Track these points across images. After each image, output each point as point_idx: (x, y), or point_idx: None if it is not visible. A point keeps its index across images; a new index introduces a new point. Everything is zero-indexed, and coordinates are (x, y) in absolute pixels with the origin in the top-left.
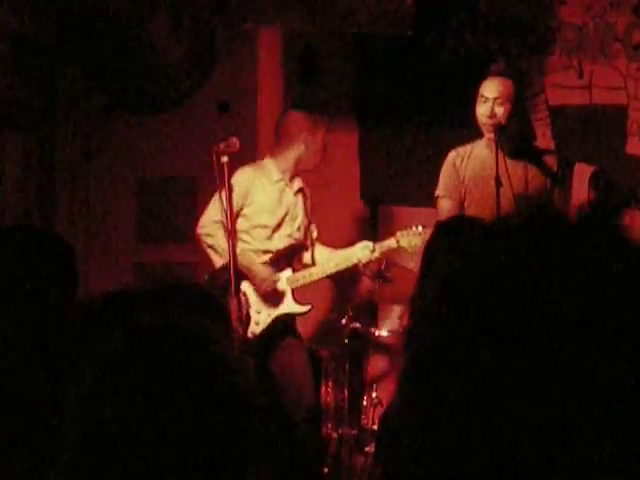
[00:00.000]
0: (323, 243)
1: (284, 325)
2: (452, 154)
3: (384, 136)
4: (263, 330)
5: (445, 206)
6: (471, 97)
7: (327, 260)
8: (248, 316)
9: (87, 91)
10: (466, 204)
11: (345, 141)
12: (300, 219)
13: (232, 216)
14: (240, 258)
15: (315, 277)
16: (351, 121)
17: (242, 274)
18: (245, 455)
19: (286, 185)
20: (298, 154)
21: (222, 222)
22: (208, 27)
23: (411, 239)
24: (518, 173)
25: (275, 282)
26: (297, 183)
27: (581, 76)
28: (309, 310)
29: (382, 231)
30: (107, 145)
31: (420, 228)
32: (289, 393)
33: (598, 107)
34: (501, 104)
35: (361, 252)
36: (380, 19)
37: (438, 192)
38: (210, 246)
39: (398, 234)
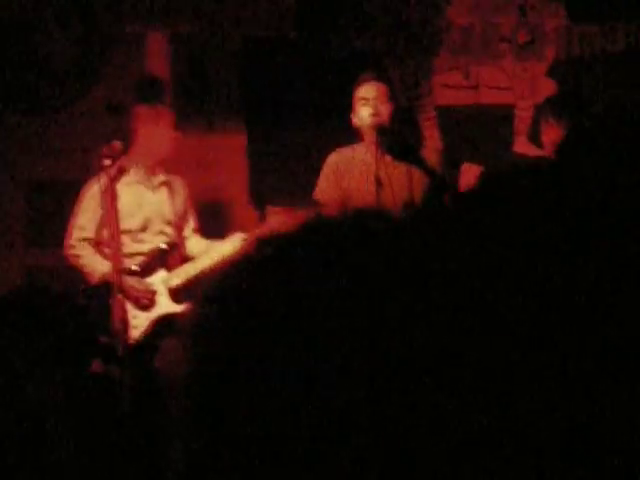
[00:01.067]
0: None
1: (165, 326)
2: (333, 157)
3: (272, 138)
4: (142, 334)
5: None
6: None
7: (202, 255)
8: (127, 322)
9: None
10: (349, 206)
11: (233, 144)
12: (168, 213)
13: (116, 217)
14: (110, 274)
15: (190, 274)
16: (239, 124)
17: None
18: None
19: (144, 184)
20: (146, 147)
21: (88, 239)
22: (98, 29)
23: (286, 220)
24: (401, 175)
25: (149, 292)
26: (159, 178)
27: (468, 76)
28: (187, 307)
29: None
30: None
31: (293, 210)
32: (171, 391)
33: (485, 107)
34: (382, 103)
35: (234, 244)
36: (263, 21)
37: (316, 195)
38: (81, 266)
39: (272, 217)
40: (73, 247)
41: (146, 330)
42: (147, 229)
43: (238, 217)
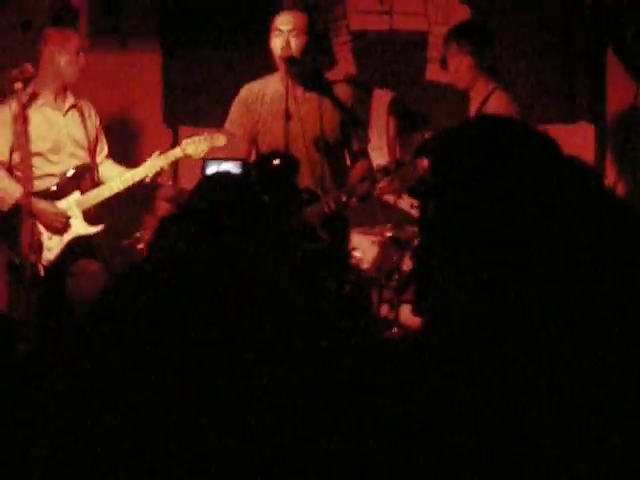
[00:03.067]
0: (124, 164)
1: (80, 248)
2: (245, 91)
3: (187, 58)
4: (57, 256)
5: (236, 144)
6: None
7: (115, 177)
8: (40, 243)
9: None
10: (260, 140)
11: (148, 65)
12: (80, 137)
13: (27, 141)
14: (22, 199)
15: (104, 196)
16: (154, 45)
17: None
18: None
19: (54, 107)
20: (53, 70)
21: (0, 162)
22: None
23: (197, 146)
24: (312, 109)
25: (62, 215)
26: (68, 101)
27: (382, 1)
28: (102, 230)
29: None
30: None
31: (205, 134)
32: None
33: (399, 32)
34: (295, 36)
35: (148, 165)
36: None
37: (226, 126)
38: None
39: (183, 142)
40: None
41: (61, 252)
42: (59, 151)
43: (152, 136)
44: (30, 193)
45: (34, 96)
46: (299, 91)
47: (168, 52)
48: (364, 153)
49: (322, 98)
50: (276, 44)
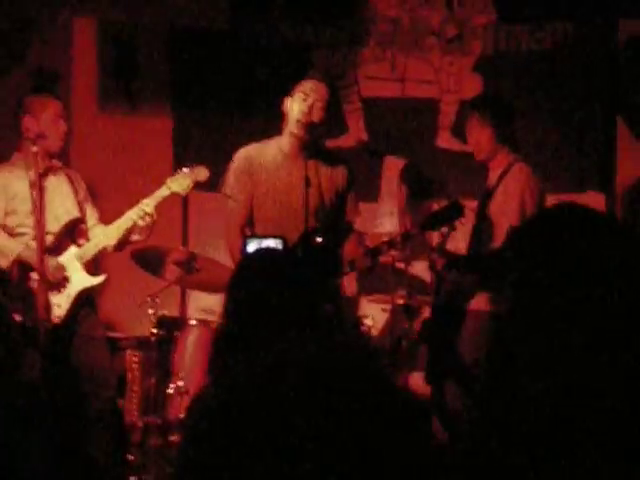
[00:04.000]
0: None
1: (82, 301)
2: (242, 153)
3: (198, 125)
4: (67, 311)
5: (232, 206)
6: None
7: (109, 228)
8: (48, 301)
9: None
10: (257, 208)
11: (160, 129)
12: (71, 195)
13: (42, 209)
14: (24, 254)
15: (101, 245)
16: (165, 109)
17: (29, 267)
18: None
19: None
20: (33, 137)
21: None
22: (22, 13)
23: (182, 182)
24: (313, 175)
25: (62, 268)
26: (56, 164)
27: (394, 69)
28: (105, 279)
29: (193, 217)
30: None
31: (185, 170)
32: (90, 383)
33: (410, 100)
34: (321, 108)
35: (137, 209)
36: (196, 13)
37: (224, 190)
38: None
39: (168, 180)
40: None
41: (70, 307)
42: (51, 210)
43: (162, 201)
44: (42, 256)
45: (50, 170)
46: (300, 159)
47: (179, 116)
48: (351, 226)
49: (321, 167)
50: (300, 108)
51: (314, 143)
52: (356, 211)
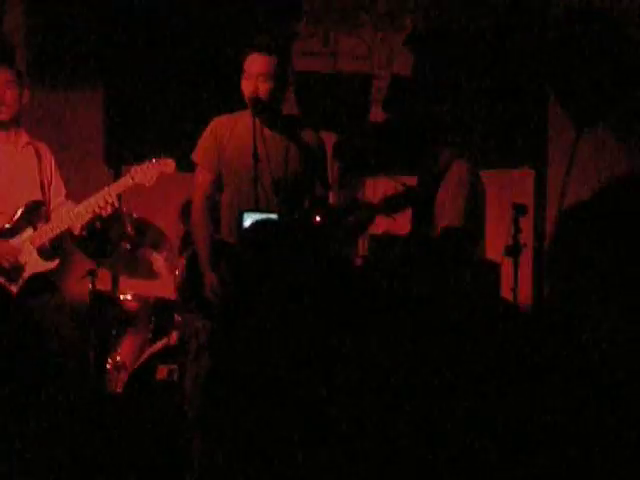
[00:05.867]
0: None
1: (40, 284)
2: (215, 123)
3: (128, 97)
4: (17, 292)
5: (200, 177)
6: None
7: (68, 212)
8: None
9: None
10: (225, 175)
11: (89, 104)
12: (34, 174)
13: None
14: None
15: (57, 231)
16: (96, 84)
17: None
18: None
19: (9, 144)
20: None
21: None
22: None
23: (147, 172)
24: (278, 150)
25: (12, 253)
26: (23, 139)
27: (327, 44)
28: (57, 264)
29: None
30: None
31: (154, 160)
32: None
33: (343, 74)
34: (264, 81)
35: (99, 196)
36: None
37: (195, 158)
38: None
39: (132, 170)
40: None
41: (20, 289)
42: (12, 187)
43: (92, 175)
44: None
45: None
46: (266, 132)
47: (109, 90)
48: (324, 201)
49: (289, 141)
50: (244, 86)
51: (271, 117)
52: (325, 185)
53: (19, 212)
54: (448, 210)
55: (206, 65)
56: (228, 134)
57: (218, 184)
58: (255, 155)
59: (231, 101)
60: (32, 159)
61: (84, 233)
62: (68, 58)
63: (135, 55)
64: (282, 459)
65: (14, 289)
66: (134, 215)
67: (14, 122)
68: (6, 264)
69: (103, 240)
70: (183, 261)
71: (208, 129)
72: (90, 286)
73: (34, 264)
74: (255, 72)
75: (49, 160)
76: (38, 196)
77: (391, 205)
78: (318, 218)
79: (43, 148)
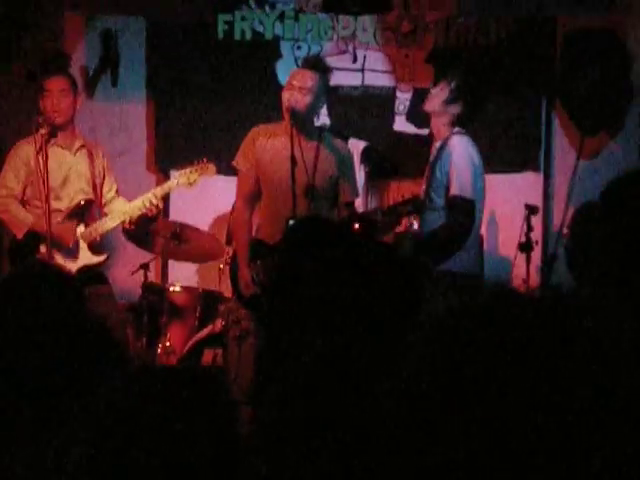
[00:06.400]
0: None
1: (90, 275)
2: (254, 131)
3: (178, 110)
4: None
5: (242, 180)
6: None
7: (118, 210)
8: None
9: None
10: (262, 180)
11: (139, 114)
12: (87, 174)
13: (47, 179)
14: (36, 224)
15: (106, 227)
16: (145, 95)
17: (41, 237)
18: None
19: (62, 146)
20: (52, 112)
21: (13, 195)
22: (20, 11)
23: (189, 176)
24: (311, 156)
25: (74, 236)
26: (78, 142)
27: (355, 60)
28: (105, 259)
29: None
30: None
31: (196, 164)
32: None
33: (369, 88)
34: (305, 94)
35: (145, 198)
36: (173, 8)
37: (236, 163)
38: (8, 220)
39: (177, 174)
40: (1, 203)
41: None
42: (66, 187)
43: (144, 180)
44: (50, 221)
45: (49, 137)
46: (302, 140)
47: (159, 103)
48: (351, 206)
49: (321, 149)
50: (286, 96)
51: (306, 127)
52: (352, 192)
53: (71, 208)
54: (456, 180)
55: (243, 78)
56: (265, 143)
57: (257, 188)
58: (292, 159)
59: (267, 112)
60: (85, 160)
61: (133, 227)
62: (122, 75)
63: (180, 73)
64: (334, 435)
65: (73, 269)
66: (177, 221)
67: (68, 126)
68: (68, 243)
69: (148, 233)
70: (227, 256)
71: (247, 138)
72: (142, 278)
73: (85, 257)
74: (297, 85)
75: (101, 161)
76: (90, 194)
77: (397, 212)
78: (357, 226)
79: (96, 150)
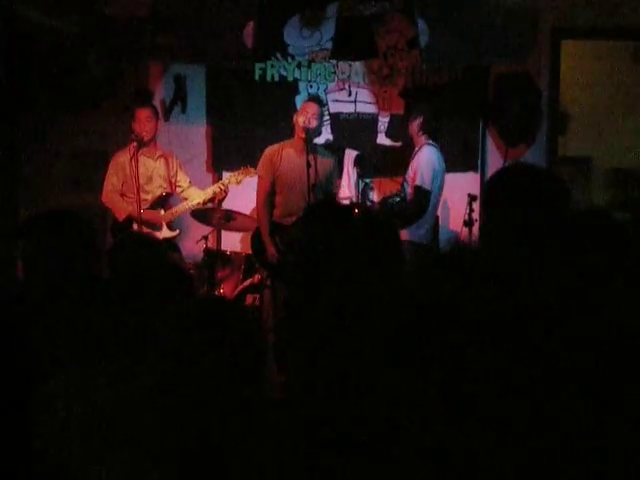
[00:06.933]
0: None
1: (169, 245)
2: (269, 150)
3: (228, 130)
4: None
5: (261, 184)
6: (281, 111)
7: (191, 199)
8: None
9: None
10: (277, 182)
11: (201, 133)
12: (165, 175)
13: (137, 178)
14: (132, 211)
15: (181, 210)
16: (205, 122)
17: (134, 219)
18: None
19: (147, 156)
20: (140, 131)
21: (116, 190)
22: (118, 59)
23: (237, 176)
24: (314, 162)
25: (157, 218)
26: (158, 152)
27: (350, 94)
28: (178, 233)
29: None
30: (54, 127)
31: (242, 168)
32: None
33: (360, 114)
34: (314, 119)
35: (210, 189)
36: (227, 55)
37: (258, 172)
38: (113, 208)
39: (230, 175)
40: (106, 196)
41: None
42: (150, 184)
43: (206, 178)
44: (140, 209)
45: (138, 149)
46: (305, 152)
47: (215, 125)
48: (335, 194)
49: (318, 158)
50: (302, 119)
51: (312, 142)
52: (338, 185)
53: (154, 198)
54: (419, 175)
55: (272, 107)
56: (277, 156)
57: (273, 188)
58: (308, 163)
59: (290, 131)
60: (163, 165)
61: (205, 204)
62: (189, 106)
63: (229, 104)
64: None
65: (158, 236)
66: (227, 209)
67: (151, 141)
68: (154, 223)
69: (207, 214)
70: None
71: (264, 155)
72: (204, 246)
73: (164, 233)
74: (310, 112)
75: (174, 165)
76: (167, 189)
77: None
78: (357, 210)
79: (171, 157)
